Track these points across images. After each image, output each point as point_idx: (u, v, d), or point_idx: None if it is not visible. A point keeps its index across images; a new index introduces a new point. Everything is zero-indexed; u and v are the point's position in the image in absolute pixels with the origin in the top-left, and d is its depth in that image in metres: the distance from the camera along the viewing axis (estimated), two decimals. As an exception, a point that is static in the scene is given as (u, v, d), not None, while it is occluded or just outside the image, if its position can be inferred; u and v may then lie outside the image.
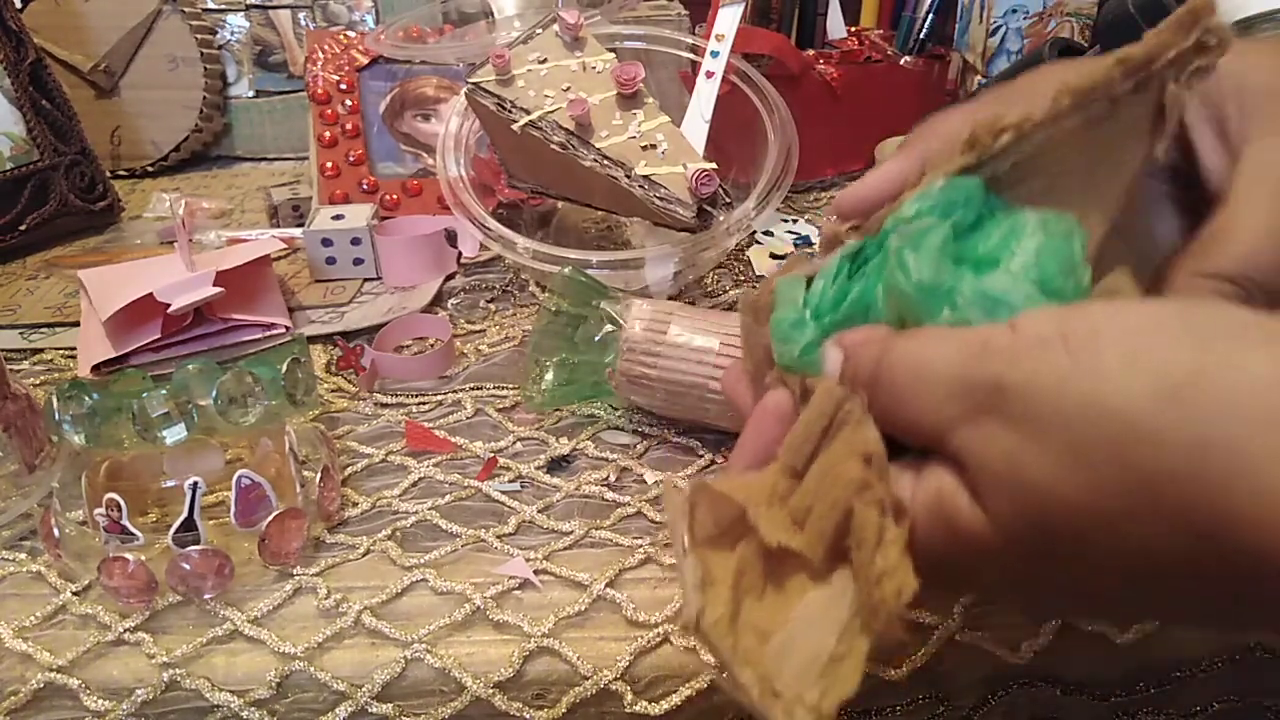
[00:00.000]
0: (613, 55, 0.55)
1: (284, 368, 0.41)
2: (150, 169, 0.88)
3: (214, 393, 0.39)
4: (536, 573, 0.37)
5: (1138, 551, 0.19)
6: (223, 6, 0.87)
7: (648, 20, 0.76)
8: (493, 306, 0.59)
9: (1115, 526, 0.19)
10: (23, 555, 0.39)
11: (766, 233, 0.66)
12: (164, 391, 0.39)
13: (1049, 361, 0.20)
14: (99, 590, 0.36)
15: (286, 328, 0.55)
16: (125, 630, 0.35)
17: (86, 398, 0.39)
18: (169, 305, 0.51)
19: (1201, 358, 0.19)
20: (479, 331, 0.56)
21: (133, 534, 0.36)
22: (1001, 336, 0.22)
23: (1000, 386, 0.21)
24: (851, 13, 0.82)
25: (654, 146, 0.52)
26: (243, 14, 0.88)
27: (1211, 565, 0.19)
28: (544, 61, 0.55)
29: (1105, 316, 0.21)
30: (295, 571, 0.37)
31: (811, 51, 0.74)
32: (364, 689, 0.33)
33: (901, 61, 0.74)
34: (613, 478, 0.43)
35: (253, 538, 0.36)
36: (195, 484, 0.36)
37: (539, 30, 0.56)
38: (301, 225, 0.68)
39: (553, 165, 0.55)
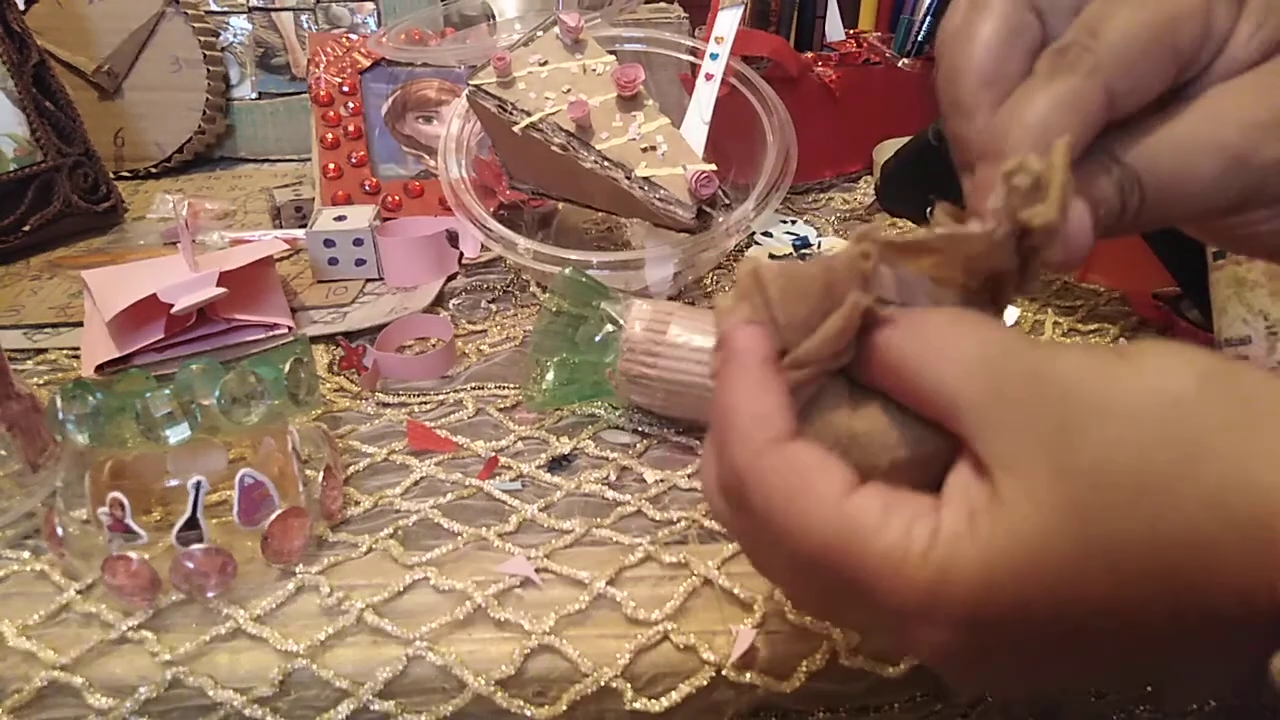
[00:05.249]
0: (613, 57, 0.56)
1: (287, 367, 0.41)
2: (153, 170, 0.88)
3: (217, 392, 0.39)
4: (537, 571, 0.37)
5: (1173, 518, 0.20)
6: (225, 9, 0.88)
7: (647, 23, 0.76)
8: (494, 307, 0.60)
9: (1161, 491, 0.20)
10: (26, 554, 0.39)
11: (765, 234, 0.67)
12: (167, 391, 0.39)
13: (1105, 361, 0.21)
14: (102, 589, 0.36)
15: (289, 328, 0.55)
16: (128, 628, 0.35)
17: (90, 397, 0.39)
18: (172, 306, 0.51)
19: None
20: (480, 332, 0.57)
21: (136, 533, 0.36)
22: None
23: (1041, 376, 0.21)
24: (850, 15, 0.82)
25: (654, 148, 0.52)
26: (245, 16, 0.88)
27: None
28: (545, 64, 0.55)
29: None
30: (298, 570, 0.37)
31: (810, 54, 0.74)
32: (366, 686, 0.33)
33: (899, 64, 0.75)
34: (613, 477, 0.43)
35: (256, 536, 0.36)
36: (199, 483, 0.36)
37: (540, 33, 0.56)
38: (304, 226, 0.68)
39: (553, 167, 0.55)
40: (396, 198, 0.71)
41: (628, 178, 0.52)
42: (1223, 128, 0.25)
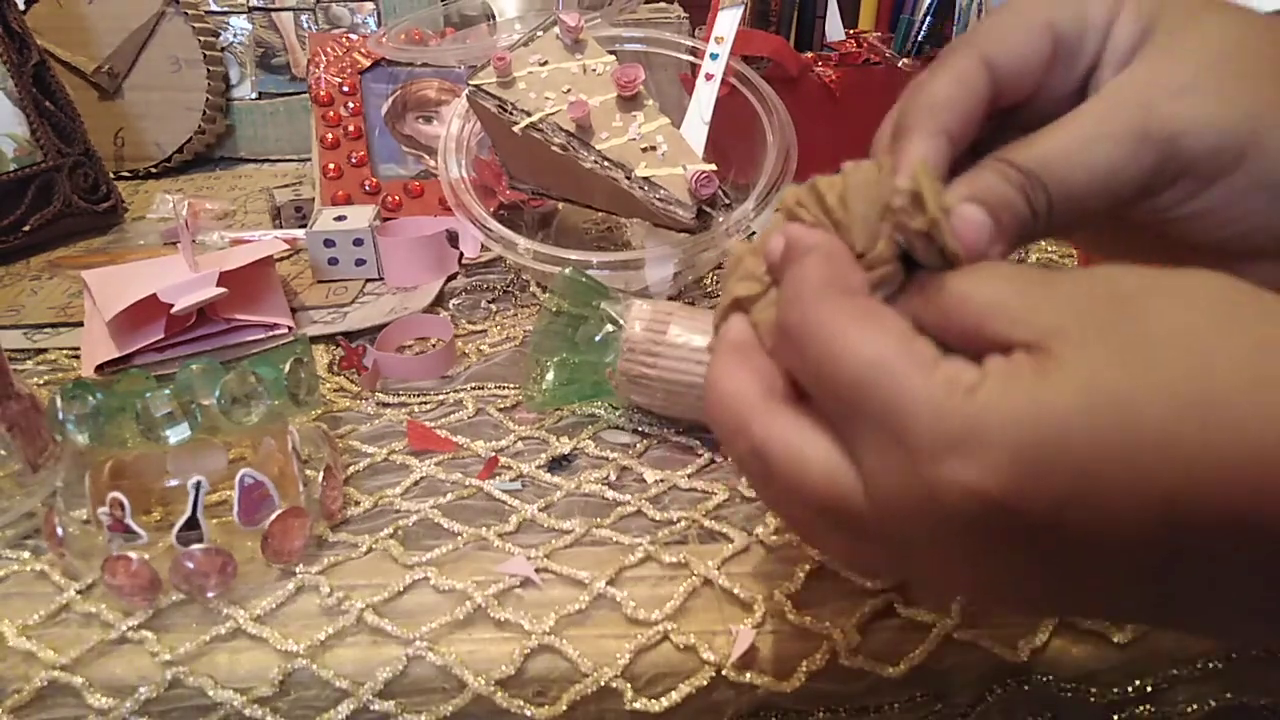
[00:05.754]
0: (613, 57, 0.56)
1: (287, 367, 0.41)
2: (153, 170, 0.88)
3: (217, 392, 0.39)
4: (537, 571, 0.37)
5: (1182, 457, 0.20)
6: (225, 9, 0.88)
7: (648, 23, 0.76)
8: (494, 307, 0.60)
9: (1209, 349, 0.20)
10: (26, 554, 0.39)
11: (766, 234, 0.67)
12: (167, 391, 0.39)
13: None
14: (102, 589, 0.36)
15: (289, 328, 0.56)
16: (128, 628, 0.35)
17: (90, 397, 0.39)
18: (172, 306, 0.51)
19: None
20: (480, 332, 0.57)
21: (136, 533, 0.36)
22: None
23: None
24: (850, 15, 0.82)
25: (654, 148, 0.52)
26: (245, 16, 0.88)
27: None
28: (545, 64, 0.55)
29: None
30: (298, 570, 0.37)
31: (810, 54, 0.74)
32: (366, 686, 0.33)
33: (900, 64, 0.75)
34: (613, 476, 0.43)
35: (256, 536, 0.36)
36: (199, 483, 0.36)
37: (540, 33, 0.57)
38: (304, 226, 0.69)
39: (553, 167, 0.55)
40: (396, 198, 0.71)
41: (628, 178, 0.52)
42: (1117, 111, 0.26)
